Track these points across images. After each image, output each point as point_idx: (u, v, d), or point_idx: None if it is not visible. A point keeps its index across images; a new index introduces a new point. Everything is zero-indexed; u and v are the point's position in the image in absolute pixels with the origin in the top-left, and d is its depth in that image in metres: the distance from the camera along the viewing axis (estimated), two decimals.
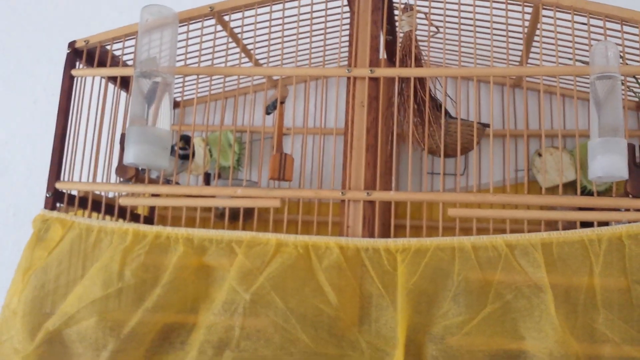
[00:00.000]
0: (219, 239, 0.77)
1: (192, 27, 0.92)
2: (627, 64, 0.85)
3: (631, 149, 0.73)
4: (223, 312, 0.72)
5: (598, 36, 0.82)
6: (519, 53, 1.02)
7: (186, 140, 1.04)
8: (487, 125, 0.97)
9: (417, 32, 0.97)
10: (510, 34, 0.89)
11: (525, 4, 0.84)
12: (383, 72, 0.83)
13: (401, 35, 0.94)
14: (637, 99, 1.08)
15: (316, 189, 0.79)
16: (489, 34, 0.84)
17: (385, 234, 0.81)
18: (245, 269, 0.74)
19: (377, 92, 0.83)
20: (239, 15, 0.91)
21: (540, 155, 1.04)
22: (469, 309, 0.70)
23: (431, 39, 0.96)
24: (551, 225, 0.78)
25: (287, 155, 0.82)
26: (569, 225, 0.75)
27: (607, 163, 0.70)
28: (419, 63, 0.93)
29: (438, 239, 0.73)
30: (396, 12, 0.95)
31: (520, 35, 0.91)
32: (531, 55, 1.00)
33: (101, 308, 0.74)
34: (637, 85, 1.03)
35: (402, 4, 0.94)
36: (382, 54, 0.96)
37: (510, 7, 0.85)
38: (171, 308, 0.74)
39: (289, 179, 0.81)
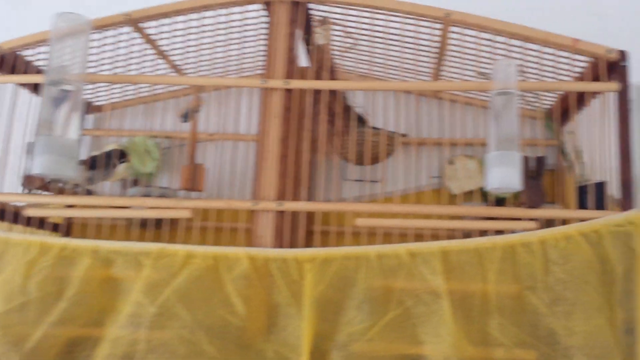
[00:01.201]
0: (126, 252, 0.76)
1: (108, 33, 0.91)
2: (526, 79, 0.89)
3: (525, 161, 0.77)
4: (128, 325, 0.72)
5: (504, 52, 0.86)
6: (433, 65, 1.05)
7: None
8: (403, 135, 1.00)
9: (334, 43, 0.99)
10: (425, 48, 0.92)
11: (434, 21, 0.87)
12: (297, 84, 0.84)
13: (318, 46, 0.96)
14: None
15: (228, 199, 0.80)
16: (401, 47, 0.87)
17: (302, 240, 0.82)
18: (152, 282, 0.73)
19: (291, 103, 0.84)
20: (156, 22, 0.90)
21: (451, 163, 1.08)
22: (372, 316, 0.72)
23: (347, 50, 0.98)
24: (458, 232, 0.82)
25: (199, 165, 0.83)
26: (471, 233, 0.79)
27: (503, 175, 0.74)
28: (333, 75, 0.95)
29: (345, 248, 0.75)
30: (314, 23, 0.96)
31: (433, 50, 0.94)
32: (444, 67, 1.04)
33: (3, 322, 0.72)
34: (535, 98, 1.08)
35: (318, 16, 0.95)
36: (299, 62, 0.98)
37: (422, 23, 0.88)
38: (76, 321, 0.73)
39: (200, 190, 0.82)
